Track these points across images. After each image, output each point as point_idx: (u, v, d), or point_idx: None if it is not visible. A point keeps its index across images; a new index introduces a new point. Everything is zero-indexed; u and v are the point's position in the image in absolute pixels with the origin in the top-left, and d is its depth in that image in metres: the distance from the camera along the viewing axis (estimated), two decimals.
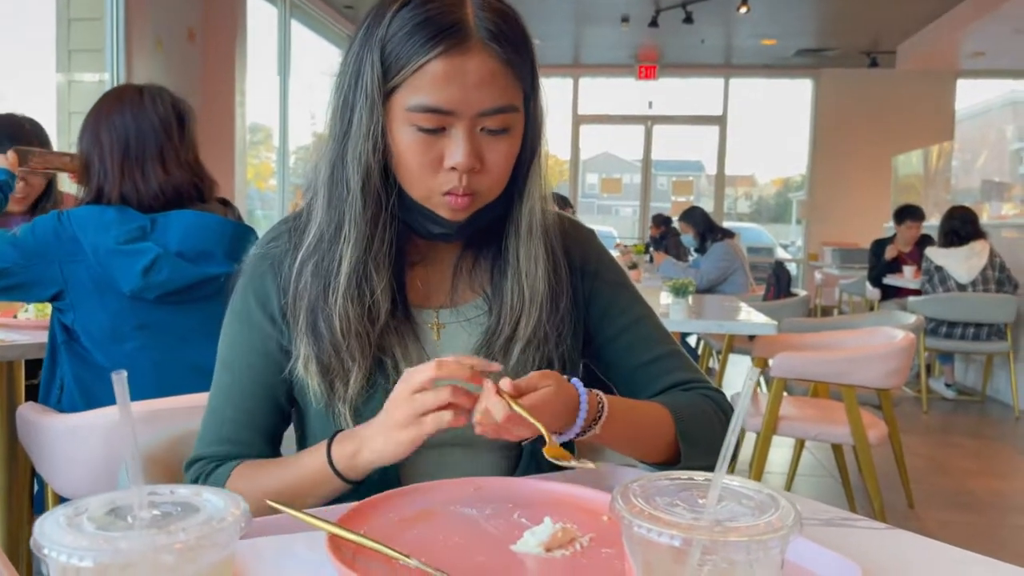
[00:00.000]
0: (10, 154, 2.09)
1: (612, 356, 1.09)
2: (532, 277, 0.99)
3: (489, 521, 0.80)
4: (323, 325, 0.95)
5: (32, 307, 2.25)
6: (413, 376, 0.84)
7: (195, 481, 1.00)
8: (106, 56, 5.12)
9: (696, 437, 0.97)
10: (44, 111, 5.20)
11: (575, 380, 0.92)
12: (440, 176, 0.91)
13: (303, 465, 0.92)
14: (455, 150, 0.89)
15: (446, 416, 0.82)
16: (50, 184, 2.54)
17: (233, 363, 1.02)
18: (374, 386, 0.97)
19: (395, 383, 0.97)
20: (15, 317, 2.24)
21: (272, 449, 1.03)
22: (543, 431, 0.81)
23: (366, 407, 0.96)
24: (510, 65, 0.90)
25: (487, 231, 1.00)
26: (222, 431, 1.01)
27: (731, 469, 1.27)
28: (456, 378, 0.83)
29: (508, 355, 0.99)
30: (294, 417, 1.07)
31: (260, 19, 6.83)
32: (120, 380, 0.45)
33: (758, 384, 3.77)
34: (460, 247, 1.04)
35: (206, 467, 0.99)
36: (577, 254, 1.07)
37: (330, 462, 0.89)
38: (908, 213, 6.35)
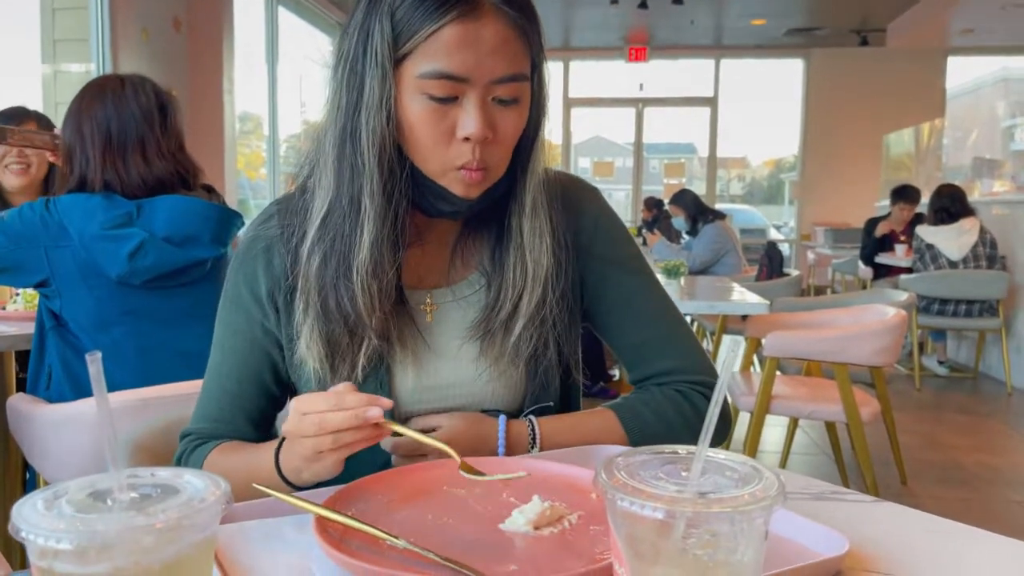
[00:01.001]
0: None
1: (605, 332, 1.08)
2: (537, 252, 0.98)
3: (478, 501, 0.80)
4: (344, 303, 0.93)
5: (21, 298, 2.24)
6: (303, 424, 0.80)
7: (181, 455, 1.02)
8: (91, 46, 5.07)
9: (649, 443, 0.97)
10: (31, 102, 5.15)
11: (501, 417, 0.97)
12: (452, 148, 0.89)
13: (261, 460, 0.91)
14: (468, 120, 0.87)
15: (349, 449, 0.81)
16: (51, 168, 2.51)
17: (223, 344, 1.03)
18: (370, 369, 0.97)
19: (389, 365, 0.97)
20: (3, 308, 2.23)
21: (255, 431, 1.03)
22: (449, 451, 0.82)
23: (362, 389, 0.96)
24: (522, 32, 0.89)
25: (489, 208, 0.99)
26: (210, 409, 1.03)
27: (725, 448, 1.27)
28: (349, 435, 0.79)
29: (509, 332, 0.98)
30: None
31: (247, 7, 6.77)
32: (95, 361, 0.44)
33: (752, 364, 3.78)
34: (459, 225, 1.02)
35: (192, 443, 1.01)
36: (571, 225, 1.04)
37: (279, 470, 0.88)
38: (904, 195, 6.35)
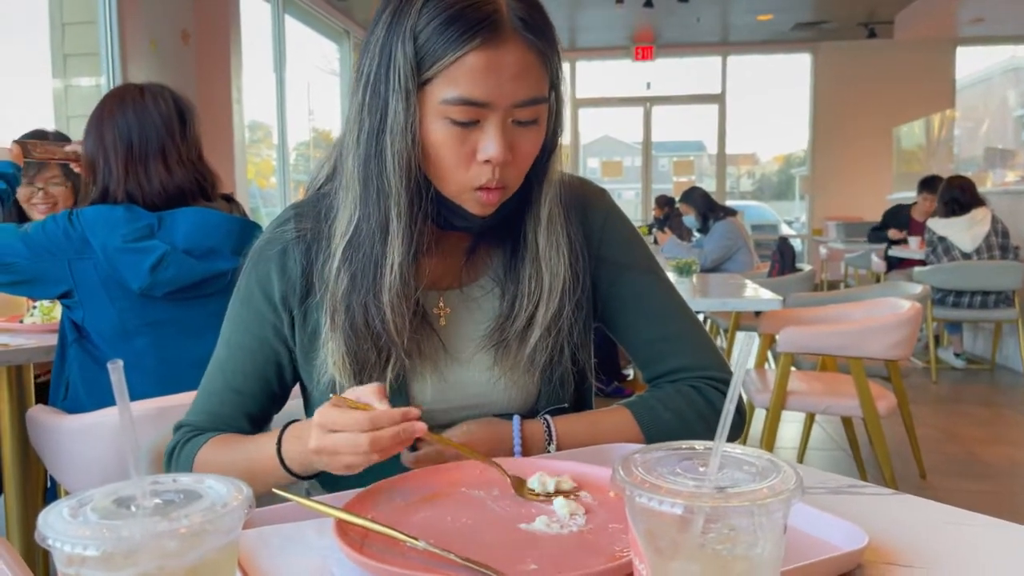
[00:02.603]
0: (13, 146, 2.13)
1: (618, 332, 1.09)
2: (554, 264, 0.98)
3: (497, 502, 0.80)
4: (375, 323, 0.94)
5: (38, 311, 2.26)
6: (337, 442, 0.81)
7: (175, 446, 1.02)
8: (101, 60, 5.11)
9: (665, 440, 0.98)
10: (43, 116, 5.22)
11: (515, 417, 0.97)
12: (472, 170, 0.90)
13: (261, 453, 0.92)
14: (488, 144, 0.88)
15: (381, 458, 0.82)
16: (76, 195, 2.57)
17: (230, 340, 1.04)
18: (393, 377, 0.98)
19: (408, 371, 0.98)
20: (21, 322, 2.25)
21: (253, 428, 1.04)
22: (497, 465, 0.85)
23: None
24: (542, 55, 0.90)
25: (504, 219, 0.99)
26: (209, 403, 1.04)
27: (741, 444, 1.28)
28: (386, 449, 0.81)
29: (524, 343, 0.99)
30: (303, 401, 1.08)
31: (254, 16, 6.81)
32: (116, 369, 0.45)
33: (766, 360, 3.77)
34: (471, 236, 1.03)
35: (186, 434, 1.02)
36: (581, 228, 1.04)
37: (280, 459, 0.90)
38: (930, 185, 6.35)
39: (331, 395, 0.96)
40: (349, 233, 0.94)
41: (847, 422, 3.33)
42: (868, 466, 3.34)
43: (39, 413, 1.68)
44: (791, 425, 4.03)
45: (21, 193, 2.54)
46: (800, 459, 3.56)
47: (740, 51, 11.12)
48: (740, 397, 1.04)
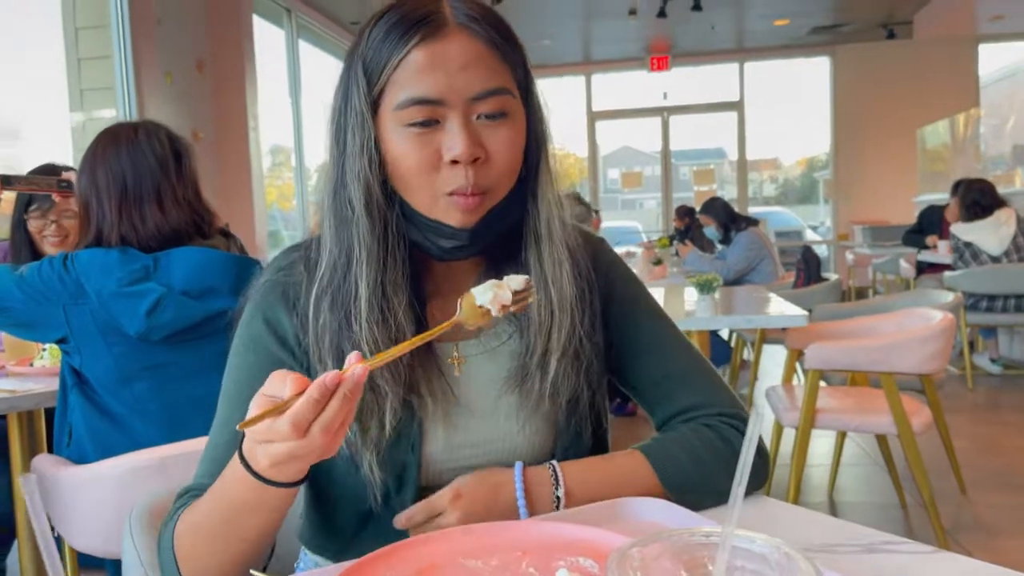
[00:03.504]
0: None
1: (626, 376, 1.03)
2: (559, 282, 0.93)
3: (495, 573, 0.74)
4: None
5: (47, 353, 2.23)
6: (269, 436, 0.70)
7: (174, 512, 0.89)
8: (117, 93, 5.15)
9: (683, 485, 0.92)
10: (61, 150, 5.27)
11: (517, 464, 0.91)
12: (442, 174, 0.85)
13: (226, 473, 0.80)
14: (452, 141, 0.83)
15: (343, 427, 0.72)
16: None
17: (239, 394, 0.92)
18: (402, 427, 0.91)
19: (421, 421, 0.92)
20: (31, 365, 2.22)
21: None
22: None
23: (391, 454, 0.91)
24: (494, 46, 0.86)
25: (503, 244, 0.94)
26: (213, 466, 0.90)
27: (767, 490, 1.20)
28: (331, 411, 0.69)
29: (545, 373, 0.93)
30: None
31: (268, 42, 6.85)
32: (28, 482, 0.40)
33: (794, 374, 3.67)
34: (478, 270, 0.97)
35: (189, 500, 0.89)
36: (590, 269, 1.00)
37: (245, 462, 0.75)
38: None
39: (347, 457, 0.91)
40: (323, 267, 0.91)
41: (881, 438, 3.22)
42: (905, 481, 3.23)
43: (42, 462, 1.64)
44: (823, 440, 3.92)
45: (33, 226, 2.53)
46: (833, 477, 3.45)
47: (757, 57, 11.02)
48: (760, 440, 0.98)
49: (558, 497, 0.90)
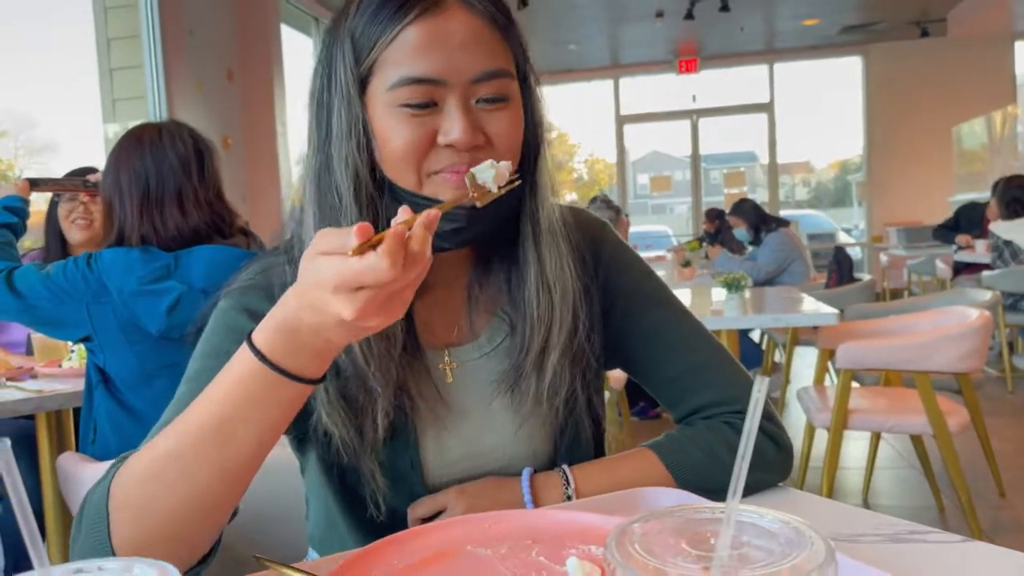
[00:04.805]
0: (22, 181, 2.16)
1: (639, 372, 0.99)
2: (560, 276, 0.88)
3: (504, 561, 0.72)
4: (342, 356, 0.83)
5: (76, 355, 2.26)
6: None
7: (111, 470, 0.76)
8: (148, 102, 5.23)
9: (697, 482, 0.87)
10: (97, 159, 5.36)
11: (524, 471, 0.88)
12: (432, 155, 0.79)
13: (223, 373, 0.69)
14: (451, 125, 0.77)
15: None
16: None
17: (202, 374, 0.82)
18: (398, 431, 0.87)
19: (416, 427, 0.89)
20: (60, 366, 2.25)
21: None
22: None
23: (391, 460, 0.88)
24: (495, 25, 0.80)
25: (498, 240, 0.89)
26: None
27: (799, 483, 1.16)
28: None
29: (542, 373, 0.88)
30: (297, 453, 0.98)
31: (296, 50, 6.93)
32: (5, 451, 0.38)
33: (826, 373, 3.60)
34: (469, 270, 0.92)
35: (125, 457, 0.76)
36: (589, 258, 0.95)
37: (255, 349, 0.67)
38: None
39: (324, 436, 0.86)
40: None
41: (916, 439, 3.14)
42: (941, 483, 3.15)
43: (66, 460, 1.66)
44: (856, 443, 3.84)
45: (62, 210, 2.56)
46: (867, 480, 3.37)
47: (787, 58, 10.90)
48: (781, 430, 0.94)
49: (568, 496, 0.88)
